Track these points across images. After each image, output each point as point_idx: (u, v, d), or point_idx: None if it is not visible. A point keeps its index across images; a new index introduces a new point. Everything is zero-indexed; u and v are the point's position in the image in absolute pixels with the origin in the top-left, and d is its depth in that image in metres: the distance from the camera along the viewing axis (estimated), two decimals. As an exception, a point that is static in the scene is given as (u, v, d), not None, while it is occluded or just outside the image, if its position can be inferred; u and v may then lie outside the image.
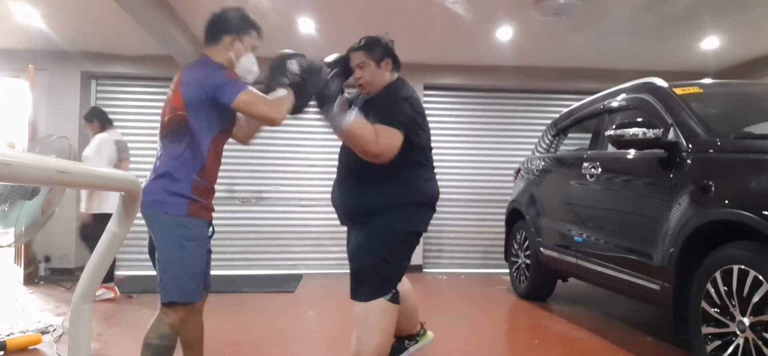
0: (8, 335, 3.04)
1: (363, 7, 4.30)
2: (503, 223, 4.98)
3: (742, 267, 2.12)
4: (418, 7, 4.27)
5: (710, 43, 5.09)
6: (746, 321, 2.08)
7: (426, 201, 2.13)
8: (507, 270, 4.95)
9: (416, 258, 5.34)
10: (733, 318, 2.16)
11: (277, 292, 4.74)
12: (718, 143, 2.45)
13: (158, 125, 1.93)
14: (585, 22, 4.55)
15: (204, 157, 1.85)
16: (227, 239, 5.76)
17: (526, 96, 6.31)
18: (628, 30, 4.77)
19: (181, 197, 1.82)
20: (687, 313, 2.40)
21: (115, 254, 1.85)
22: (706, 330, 2.27)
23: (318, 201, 5.85)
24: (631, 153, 2.98)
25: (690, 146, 2.55)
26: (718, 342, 2.21)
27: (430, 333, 2.57)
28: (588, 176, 3.39)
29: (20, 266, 5.15)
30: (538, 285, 4.34)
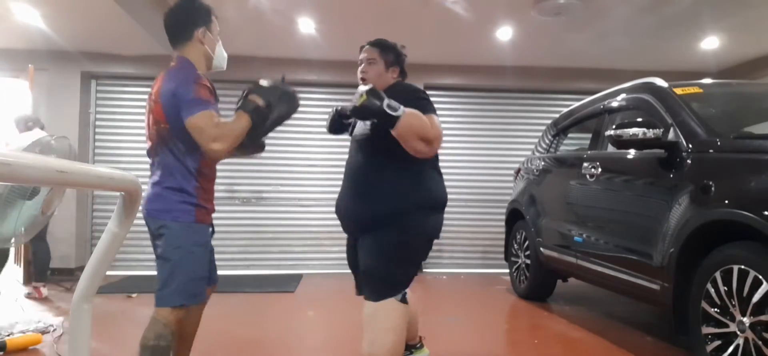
0: (8, 335, 3.04)
1: (363, 7, 4.30)
2: (503, 223, 4.98)
3: (742, 267, 2.12)
4: (418, 7, 4.27)
5: (710, 43, 5.09)
6: (746, 321, 2.08)
7: (441, 205, 2.11)
8: (507, 270, 4.95)
9: (416, 258, 5.33)
10: (733, 318, 2.16)
11: (277, 292, 4.74)
12: (718, 143, 2.45)
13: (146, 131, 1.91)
14: (585, 22, 4.55)
15: (199, 162, 1.84)
16: (227, 239, 5.76)
17: (526, 96, 6.31)
18: (628, 30, 4.77)
19: (189, 204, 1.82)
20: (687, 313, 2.40)
21: (115, 254, 1.85)
22: (706, 330, 2.27)
23: (318, 201, 5.85)
24: (631, 153, 2.98)
25: (690, 146, 2.55)
26: (718, 342, 2.21)
27: (426, 350, 2.57)
28: (588, 176, 3.39)
29: (20, 266, 5.15)
30: (538, 285, 4.34)
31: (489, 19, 4.59)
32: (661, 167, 2.69)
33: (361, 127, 2.12)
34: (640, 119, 2.70)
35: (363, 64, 2.13)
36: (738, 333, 2.12)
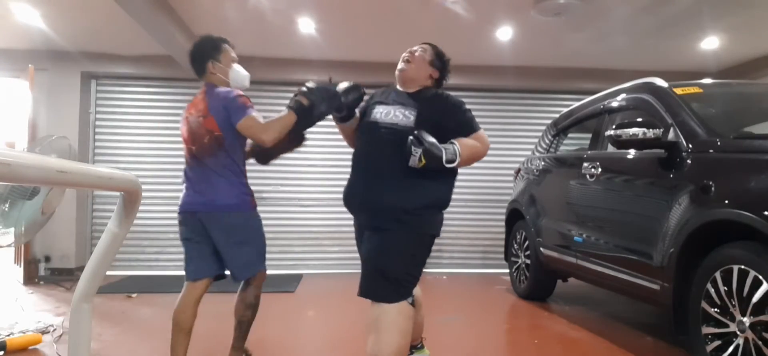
0: (8, 335, 3.04)
1: (363, 7, 4.30)
2: (503, 223, 4.98)
3: (742, 267, 2.12)
4: (418, 7, 4.27)
5: (710, 43, 5.08)
6: (746, 321, 2.08)
7: (446, 204, 2.16)
8: (507, 270, 4.95)
9: (416, 258, 5.33)
10: (733, 318, 2.16)
11: (277, 292, 4.74)
12: (718, 143, 2.45)
13: (182, 140, 2.35)
14: (585, 22, 4.55)
15: (244, 162, 2.35)
16: (227, 239, 5.75)
17: (526, 96, 6.31)
18: (628, 30, 4.77)
19: (249, 195, 2.34)
20: (687, 313, 2.40)
21: (115, 253, 1.85)
22: (706, 330, 2.27)
23: (318, 201, 5.84)
24: (631, 153, 2.98)
25: (690, 146, 2.56)
26: (718, 342, 2.21)
27: (427, 351, 2.57)
28: (588, 176, 3.39)
29: (20, 266, 5.15)
30: (538, 285, 4.34)
31: (489, 20, 4.59)
32: (661, 167, 2.69)
33: (390, 115, 2.11)
34: (640, 119, 2.70)
35: (410, 52, 2.27)
36: (738, 333, 2.13)
